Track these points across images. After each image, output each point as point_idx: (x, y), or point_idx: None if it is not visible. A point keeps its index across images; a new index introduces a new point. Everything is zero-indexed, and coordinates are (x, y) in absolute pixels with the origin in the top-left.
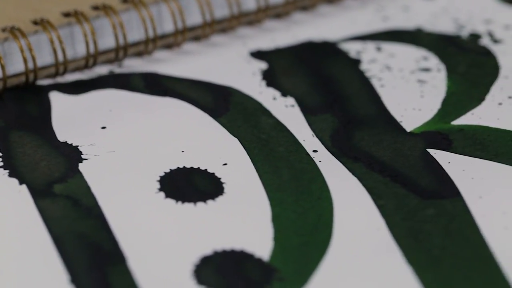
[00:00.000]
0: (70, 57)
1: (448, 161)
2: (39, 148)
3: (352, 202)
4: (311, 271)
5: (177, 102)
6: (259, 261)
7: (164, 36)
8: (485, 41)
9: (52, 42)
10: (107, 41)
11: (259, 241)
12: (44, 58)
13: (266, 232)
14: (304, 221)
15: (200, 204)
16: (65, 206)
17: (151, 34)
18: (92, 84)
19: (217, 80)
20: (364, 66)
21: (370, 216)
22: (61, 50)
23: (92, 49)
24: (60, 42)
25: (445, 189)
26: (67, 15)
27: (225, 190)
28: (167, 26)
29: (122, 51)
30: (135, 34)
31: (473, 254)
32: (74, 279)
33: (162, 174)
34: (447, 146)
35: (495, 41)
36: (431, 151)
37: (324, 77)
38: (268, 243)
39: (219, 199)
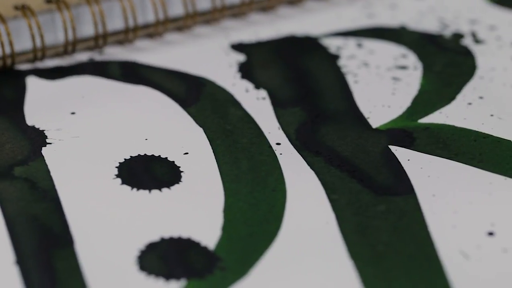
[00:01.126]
0: (51, 43)
1: (408, 158)
2: (6, 130)
3: (305, 196)
4: (253, 262)
5: (149, 91)
6: (204, 249)
7: (146, 26)
8: (467, 41)
9: (30, 28)
10: (87, 29)
11: (207, 230)
12: (24, 43)
13: (216, 222)
14: (255, 212)
15: (154, 192)
16: (22, 188)
17: (131, 23)
18: (70, 71)
19: (193, 70)
20: (342, 62)
21: (321, 210)
22: (40, 36)
23: (70, 36)
24: (39, 28)
25: (400, 186)
26: (49, 1)
27: (182, 179)
28: (150, 16)
29: (101, 39)
30: (117, 22)
31: (417, 252)
32: (19, 260)
33: (122, 160)
34: (410, 143)
35: (477, 41)
36: (393, 148)
37: (300, 72)
38: (217, 232)
39: (175, 187)
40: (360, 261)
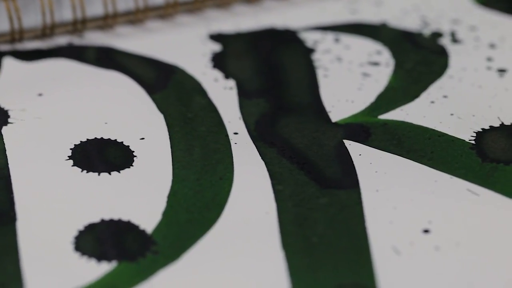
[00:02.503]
0: (30, 26)
1: (359, 153)
2: None
3: (251, 185)
4: (186, 248)
5: (120, 76)
6: (142, 233)
7: (126, 13)
8: (445, 41)
9: (9, 10)
10: (67, 13)
11: (148, 215)
12: (1, 24)
13: (158, 207)
14: (198, 199)
15: (104, 175)
16: None
17: (111, 9)
18: (47, 53)
19: (167, 58)
20: (316, 56)
21: (264, 200)
22: (17, 18)
23: (49, 19)
24: (16, 10)
25: (346, 180)
26: None
27: (134, 163)
28: (131, 3)
29: (80, 23)
30: (97, 8)
31: (350, 245)
32: None
33: (78, 143)
34: (365, 138)
35: (455, 40)
36: (347, 142)
37: (272, 64)
38: (157, 217)
39: (125, 171)
40: (292, 252)
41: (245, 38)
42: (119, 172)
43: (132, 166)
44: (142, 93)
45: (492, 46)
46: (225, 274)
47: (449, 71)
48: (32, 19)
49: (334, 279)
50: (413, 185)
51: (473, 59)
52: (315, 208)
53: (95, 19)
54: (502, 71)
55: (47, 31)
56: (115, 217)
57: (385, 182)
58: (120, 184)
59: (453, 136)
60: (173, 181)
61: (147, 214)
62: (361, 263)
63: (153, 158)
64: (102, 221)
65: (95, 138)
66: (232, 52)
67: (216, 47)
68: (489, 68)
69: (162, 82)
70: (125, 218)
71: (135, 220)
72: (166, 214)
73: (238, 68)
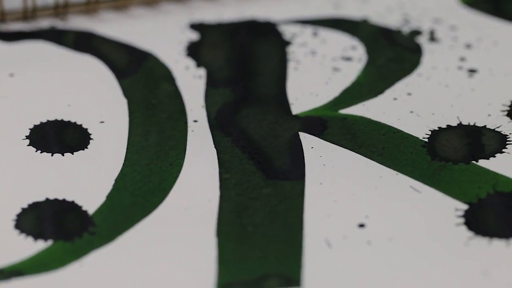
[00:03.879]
0: (12, 8)
1: (312, 146)
2: None
3: (199, 173)
4: (123, 230)
5: (93, 60)
6: (83, 213)
7: None
8: (423, 39)
9: None
10: None
11: (93, 196)
12: None
13: (105, 189)
14: (145, 183)
15: (57, 156)
16: None
17: None
18: (28, 35)
19: (143, 44)
20: (292, 49)
21: (209, 187)
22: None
23: (30, 2)
24: None
25: (293, 172)
26: None
27: (89, 146)
28: None
29: (62, 8)
30: None
31: (284, 236)
32: None
33: (37, 123)
34: (320, 132)
35: (433, 39)
36: (302, 135)
37: (245, 55)
38: (102, 199)
39: (79, 153)
40: (225, 239)
41: (224, 28)
42: (72, 153)
43: (87, 148)
44: (111, 78)
45: (468, 46)
46: (153, 258)
47: (419, 69)
48: (16, 1)
49: (260, 269)
50: (358, 179)
51: (446, 58)
52: (257, 198)
53: (77, 4)
54: (472, 71)
55: (28, 13)
56: (60, 197)
57: (330, 176)
58: (71, 165)
59: (408, 134)
60: (124, 164)
61: (93, 196)
62: (291, 255)
63: (109, 141)
64: (47, 200)
65: (56, 119)
66: (208, 42)
67: (194, 36)
68: (460, 68)
69: (133, 67)
70: (70, 198)
71: (79, 201)
72: (110, 196)
73: (211, 58)
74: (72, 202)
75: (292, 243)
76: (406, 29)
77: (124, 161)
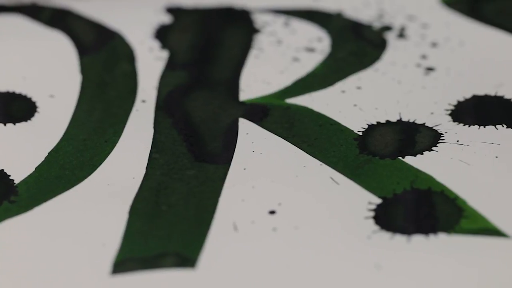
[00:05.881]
0: None
1: (247, 132)
2: None
3: (131, 151)
4: (39, 202)
5: (60, 36)
6: (9, 182)
7: None
8: (391, 35)
9: None
10: None
11: (24, 167)
12: None
13: (37, 160)
14: (76, 158)
15: None
16: None
17: None
18: (6, 9)
19: (114, 24)
20: (259, 37)
21: (137, 165)
22: None
23: None
24: None
25: (222, 156)
26: None
27: (33, 118)
28: None
29: None
30: None
31: (194, 217)
32: None
33: None
34: (260, 119)
35: (402, 35)
36: (241, 121)
37: (212, 40)
38: (31, 170)
39: (21, 124)
40: (136, 216)
41: (199, 14)
42: (14, 124)
43: (30, 120)
44: (73, 54)
45: (434, 45)
46: (61, 230)
47: (378, 64)
48: None
49: (161, 247)
50: (281, 167)
51: (408, 55)
52: (180, 179)
53: None
54: (430, 69)
55: None
56: None
57: (256, 162)
58: (10, 135)
59: (344, 126)
60: (62, 138)
61: (23, 167)
62: (195, 236)
63: (53, 116)
64: None
65: (7, 91)
66: (178, 26)
67: (167, 19)
68: (418, 65)
69: (97, 46)
70: (0, 167)
71: (9, 170)
72: (39, 168)
73: (176, 41)
74: (2, 171)
75: (200, 224)
76: (377, 24)
77: (63, 135)
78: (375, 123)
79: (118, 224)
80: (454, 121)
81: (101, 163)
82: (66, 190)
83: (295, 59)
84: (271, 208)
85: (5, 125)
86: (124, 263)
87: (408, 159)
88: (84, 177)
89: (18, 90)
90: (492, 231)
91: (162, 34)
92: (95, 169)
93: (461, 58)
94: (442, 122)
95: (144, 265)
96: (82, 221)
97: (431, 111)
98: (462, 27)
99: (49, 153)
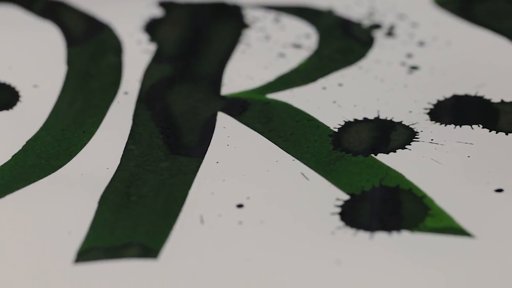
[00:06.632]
0: None
1: (224, 126)
2: None
3: (107, 142)
4: (14, 190)
5: (51, 28)
6: None
7: None
8: (379, 33)
9: None
10: None
11: (1, 155)
12: None
13: (14, 149)
14: (53, 147)
15: None
16: None
17: None
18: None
19: (106, 16)
20: (248, 33)
21: (112, 156)
22: None
23: None
24: None
25: (196, 149)
26: None
27: (15, 107)
28: None
29: None
30: None
31: (162, 209)
32: None
33: None
34: (238, 113)
35: (390, 34)
36: (220, 115)
37: (201, 35)
38: (7, 158)
39: (2, 113)
40: (105, 206)
41: (190, 8)
42: None
43: (11, 109)
44: (61, 45)
45: (421, 44)
46: (28, 219)
47: (362, 62)
48: None
49: (125, 237)
50: (253, 162)
51: (393, 54)
52: (153, 170)
53: None
54: (414, 68)
55: None
56: None
57: (229, 156)
58: None
59: (321, 123)
60: (41, 128)
61: (0, 155)
62: (161, 227)
63: (36, 105)
64: None
65: None
66: (169, 20)
67: (159, 13)
68: (403, 64)
69: (86, 37)
70: None
71: None
72: (16, 156)
73: (165, 35)
74: None
75: (167, 216)
76: (367, 22)
77: (43, 125)
78: (352, 120)
79: (87, 214)
80: (431, 120)
81: (77, 153)
82: (40, 179)
83: (281, 55)
84: (239, 202)
85: None
86: (88, 252)
87: (381, 157)
88: (59, 166)
89: (2, 79)
90: (457, 230)
91: (152, 28)
92: (70, 159)
93: (446, 58)
94: (419, 121)
95: (107, 255)
96: (51, 209)
97: (409, 110)
98: (451, 27)
99: (27, 142)
